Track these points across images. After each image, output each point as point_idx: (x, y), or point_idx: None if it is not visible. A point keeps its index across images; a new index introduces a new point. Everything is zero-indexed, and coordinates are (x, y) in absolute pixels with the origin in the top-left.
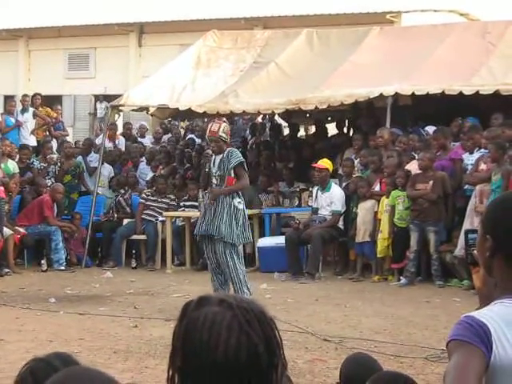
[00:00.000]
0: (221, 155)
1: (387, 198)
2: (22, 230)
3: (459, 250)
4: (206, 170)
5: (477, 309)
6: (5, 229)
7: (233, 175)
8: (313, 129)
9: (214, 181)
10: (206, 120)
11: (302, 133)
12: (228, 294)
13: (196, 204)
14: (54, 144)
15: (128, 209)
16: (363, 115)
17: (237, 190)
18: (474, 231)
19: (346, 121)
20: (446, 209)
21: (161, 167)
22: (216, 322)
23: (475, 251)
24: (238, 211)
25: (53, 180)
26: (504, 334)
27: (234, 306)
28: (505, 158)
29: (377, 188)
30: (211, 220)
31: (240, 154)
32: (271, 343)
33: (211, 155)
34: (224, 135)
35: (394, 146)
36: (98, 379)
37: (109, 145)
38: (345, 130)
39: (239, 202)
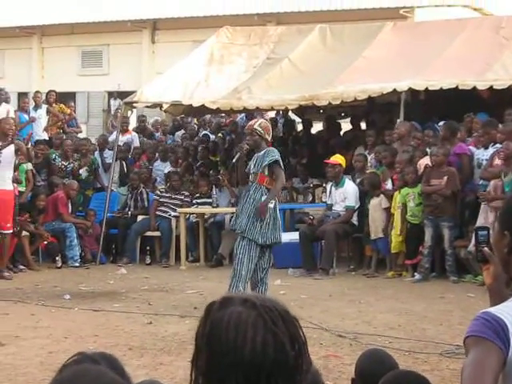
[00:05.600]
0: (259, 153)
1: (399, 193)
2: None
3: (473, 246)
4: (234, 161)
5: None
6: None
7: (266, 173)
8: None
9: (251, 178)
10: (222, 115)
11: (319, 128)
12: (251, 293)
13: (209, 200)
14: None
15: (146, 203)
16: (377, 111)
17: (277, 192)
18: (484, 228)
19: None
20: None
21: (180, 161)
22: (241, 321)
23: (485, 248)
24: (267, 209)
25: (70, 177)
26: None
27: (257, 306)
28: None
29: (389, 183)
30: (238, 216)
31: (277, 154)
32: (296, 341)
33: (245, 149)
34: (259, 129)
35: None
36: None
37: (122, 138)
38: (360, 125)
39: (269, 202)
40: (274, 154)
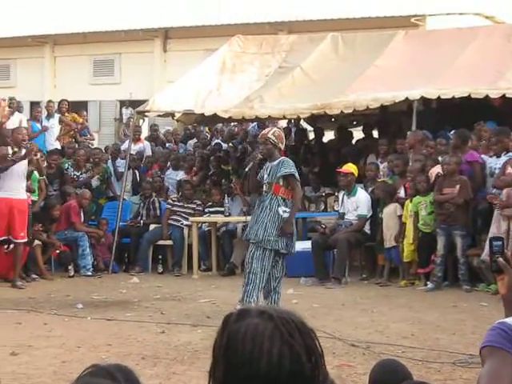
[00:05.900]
0: (273, 162)
1: (411, 202)
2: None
3: (486, 255)
4: (247, 170)
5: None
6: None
7: (281, 183)
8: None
9: (265, 188)
10: (232, 124)
11: (331, 137)
12: (268, 305)
13: (221, 209)
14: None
15: (158, 211)
16: (389, 119)
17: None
18: (498, 238)
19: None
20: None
21: (195, 169)
22: (258, 332)
23: (500, 258)
24: (281, 220)
25: (83, 187)
26: None
27: (274, 317)
28: None
29: (402, 192)
30: (252, 225)
31: (292, 165)
32: (313, 353)
33: (259, 158)
34: (273, 138)
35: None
36: None
37: (135, 147)
38: (372, 134)
39: (284, 211)
40: (290, 167)
